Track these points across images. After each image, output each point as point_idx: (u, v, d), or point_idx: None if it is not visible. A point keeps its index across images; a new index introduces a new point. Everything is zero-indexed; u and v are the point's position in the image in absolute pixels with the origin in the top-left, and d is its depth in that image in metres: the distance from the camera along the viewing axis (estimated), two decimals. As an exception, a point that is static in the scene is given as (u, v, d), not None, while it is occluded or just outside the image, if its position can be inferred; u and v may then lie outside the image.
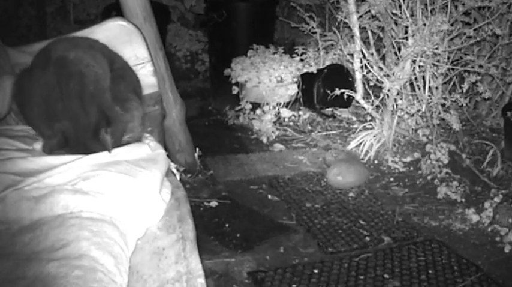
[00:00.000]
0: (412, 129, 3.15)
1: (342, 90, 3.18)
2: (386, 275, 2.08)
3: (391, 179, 2.89)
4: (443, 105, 2.93)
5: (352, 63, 3.33)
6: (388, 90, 3.00)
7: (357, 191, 2.73)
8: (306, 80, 3.58)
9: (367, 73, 3.13)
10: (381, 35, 3.26)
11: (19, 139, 1.71)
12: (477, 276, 2.07)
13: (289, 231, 2.40)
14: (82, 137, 1.61)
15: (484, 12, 2.91)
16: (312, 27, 3.56)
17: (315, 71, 3.58)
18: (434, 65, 2.89)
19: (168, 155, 1.81)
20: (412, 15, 2.87)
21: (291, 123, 3.58)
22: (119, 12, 2.48)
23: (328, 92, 3.34)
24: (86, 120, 1.60)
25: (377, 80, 3.08)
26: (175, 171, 1.99)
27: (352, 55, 3.28)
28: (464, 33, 2.85)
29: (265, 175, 2.91)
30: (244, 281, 2.06)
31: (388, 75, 3.04)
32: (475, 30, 2.80)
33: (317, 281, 2.03)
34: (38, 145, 1.65)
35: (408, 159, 3.03)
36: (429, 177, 2.84)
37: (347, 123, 3.56)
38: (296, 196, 2.68)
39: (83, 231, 1.27)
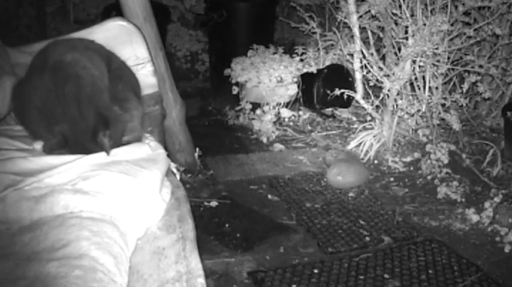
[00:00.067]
0: (412, 129, 3.15)
1: (342, 90, 3.18)
2: (386, 275, 2.08)
3: (391, 179, 2.89)
4: (443, 105, 2.93)
5: (352, 63, 3.33)
6: (388, 90, 3.00)
7: (357, 191, 2.73)
8: (306, 80, 3.58)
9: (367, 73, 3.13)
10: (381, 35, 3.26)
11: (19, 139, 1.71)
12: (477, 276, 2.07)
13: (289, 231, 2.40)
14: (81, 139, 1.61)
15: (484, 12, 2.91)
16: (312, 27, 3.56)
17: (315, 71, 3.58)
18: (434, 65, 2.89)
19: (168, 155, 1.81)
20: (412, 15, 2.87)
21: (291, 123, 3.58)
22: (119, 12, 2.48)
23: (328, 92, 3.34)
24: (84, 123, 1.60)
25: (377, 80, 3.08)
26: (175, 171, 1.99)
27: (352, 55, 3.28)
28: (464, 33, 2.85)
29: (265, 175, 2.91)
30: (244, 281, 2.06)
31: (388, 75, 3.04)
32: (475, 30, 2.80)
33: (317, 281, 2.03)
34: (38, 145, 1.65)
35: (408, 159, 3.03)
36: (429, 177, 2.84)
37: (347, 123, 3.56)
38: (296, 196, 2.69)
39: (83, 231, 1.27)
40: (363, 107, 3.32)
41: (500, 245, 2.29)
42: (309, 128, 3.54)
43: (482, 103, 3.25)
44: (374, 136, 3.13)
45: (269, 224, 2.46)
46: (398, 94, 3.04)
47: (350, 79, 3.44)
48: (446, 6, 2.79)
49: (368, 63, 3.13)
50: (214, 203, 2.61)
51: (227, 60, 3.72)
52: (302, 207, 2.59)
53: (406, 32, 2.96)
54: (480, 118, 3.23)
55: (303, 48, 3.77)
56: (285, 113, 3.59)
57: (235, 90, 3.66)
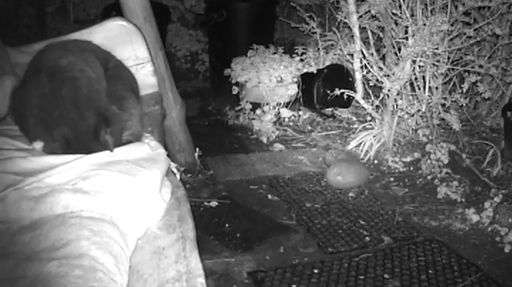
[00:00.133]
0: (412, 129, 3.16)
1: (342, 90, 3.18)
2: (386, 275, 2.08)
3: (391, 179, 2.89)
4: (443, 105, 2.93)
5: (352, 63, 3.33)
6: (388, 90, 3.00)
7: (357, 191, 2.73)
8: (306, 80, 3.58)
9: (367, 73, 3.13)
10: (381, 35, 3.26)
11: (19, 139, 1.71)
12: (477, 276, 2.07)
13: (289, 231, 2.40)
14: (83, 140, 1.60)
15: (484, 12, 2.91)
16: (312, 27, 3.56)
17: (315, 71, 3.58)
18: (434, 65, 2.89)
19: (168, 155, 1.82)
20: (412, 15, 2.87)
21: (291, 123, 3.58)
22: (119, 12, 2.49)
23: (328, 92, 3.34)
24: (84, 123, 1.60)
25: (377, 80, 3.08)
26: (175, 171, 1.99)
27: (352, 55, 3.28)
28: (464, 33, 2.85)
29: (265, 175, 2.91)
30: (244, 281, 2.06)
31: (388, 75, 3.04)
32: (475, 30, 2.81)
33: (317, 281, 2.03)
34: (37, 145, 1.65)
35: (408, 159, 3.03)
36: (429, 177, 2.84)
37: (347, 123, 3.56)
38: (296, 196, 2.69)
39: (83, 230, 1.27)
40: (363, 107, 3.32)
41: (500, 245, 2.29)
42: (309, 128, 3.54)
43: (482, 103, 3.25)
44: (374, 136, 3.13)
45: (269, 224, 2.46)
46: (398, 94, 3.04)
47: (350, 79, 3.44)
48: (446, 6, 2.79)
49: (368, 63, 3.13)
50: (214, 203, 2.61)
51: (227, 60, 3.72)
52: (302, 207, 2.59)
53: (406, 32, 2.96)
54: (480, 118, 3.23)
55: (303, 48, 3.77)
56: (285, 113, 3.59)
57: (235, 90, 3.66)
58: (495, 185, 2.68)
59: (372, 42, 3.25)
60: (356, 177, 2.79)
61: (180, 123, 2.75)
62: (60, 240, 1.23)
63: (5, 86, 1.77)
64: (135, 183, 1.48)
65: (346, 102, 3.54)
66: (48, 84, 1.65)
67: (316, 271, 2.10)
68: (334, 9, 3.61)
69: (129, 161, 1.57)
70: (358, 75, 3.25)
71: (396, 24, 3.02)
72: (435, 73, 2.92)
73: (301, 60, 3.73)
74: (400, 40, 2.97)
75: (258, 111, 3.54)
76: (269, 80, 3.53)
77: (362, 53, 3.19)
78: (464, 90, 2.83)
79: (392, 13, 2.94)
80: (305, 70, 3.65)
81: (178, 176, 1.92)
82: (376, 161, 3.06)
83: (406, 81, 3.00)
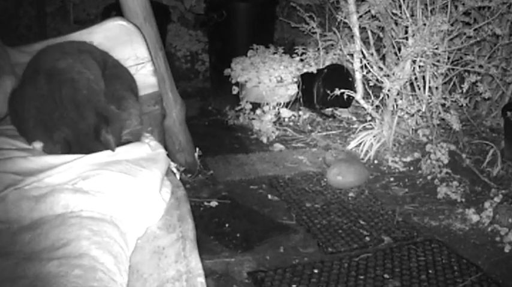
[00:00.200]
0: (412, 129, 3.16)
1: (342, 90, 3.18)
2: (386, 275, 2.08)
3: (391, 179, 2.89)
4: (443, 105, 2.93)
5: (352, 63, 3.33)
6: (388, 90, 3.00)
7: (357, 191, 2.73)
8: (306, 80, 3.58)
9: (367, 73, 3.13)
10: (381, 35, 3.26)
11: (19, 139, 1.71)
12: (477, 276, 2.07)
13: (289, 231, 2.40)
14: (84, 140, 1.61)
15: (484, 12, 2.91)
16: (312, 27, 3.56)
17: (315, 71, 3.58)
18: (434, 65, 2.89)
19: (168, 155, 1.82)
20: (412, 15, 2.87)
21: (291, 123, 3.58)
22: (119, 12, 2.48)
23: (328, 92, 3.34)
24: (85, 123, 1.60)
25: (377, 80, 3.08)
26: (175, 171, 1.99)
27: (352, 55, 3.28)
28: (464, 33, 2.85)
29: (265, 175, 2.91)
30: (244, 281, 2.06)
31: (388, 75, 3.04)
32: (475, 30, 2.81)
33: (317, 281, 2.03)
34: (38, 145, 1.65)
35: (408, 159, 3.03)
36: (429, 177, 2.84)
37: (347, 123, 3.56)
38: (296, 196, 2.68)
39: (83, 230, 1.27)
40: (363, 107, 3.32)
41: (500, 245, 2.29)
42: (309, 128, 3.54)
43: (482, 103, 3.25)
44: (374, 136, 3.13)
45: (269, 224, 2.46)
46: (398, 94, 3.04)
47: (350, 79, 3.44)
48: (446, 6, 2.79)
49: (368, 63, 3.13)
50: (214, 203, 2.61)
51: (227, 60, 3.72)
52: (302, 207, 2.59)
53: (406, 32, 2.96)
54: (480, 118, 3.23)
55: (303, 48, 3.77)
56: (285, 113, 3.59)
57: (235, 90, 3.66)
58: (495, 185, 2.68)
59: (372, 42, 3.25)
60: (356, 177, 2.79)
61: (180, 123, 2.75)
62: (60, 240, 1.23)
63: (5, 86, 1.77)
64: (135, 183, 1.48)
65: (346, 102, 3.54)
66: (46, 86, 1.65)
67: (316, 271, 2.10)
68: (334, 9, 3.61)
69: (129, 161, 1.58)
70: (358, 75, 3.25)
71: (396, 24, 3.02)
72: (435, 73, 2.92)
73: (301, 60, 3.73)
74: (400, 40, 2.97)
75: (258, 111, 3.54)
76: (269, 80, 3.53)
77: (362, 53, 3.19)
78: (464, 90, 2.83)
79: (393, 13, 2.94)
80: (305, 70, 3.65)
81: (178, 176, 1.92)
82: (376, 161, 3.06)
83: (406, 81, 3.00)
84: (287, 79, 3.58)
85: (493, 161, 2.86)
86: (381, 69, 3.12)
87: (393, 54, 3.14)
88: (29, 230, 1.28)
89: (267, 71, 3.55)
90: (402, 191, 2.76)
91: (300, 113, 3.64)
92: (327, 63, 3.65)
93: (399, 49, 3.02)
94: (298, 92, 3.62)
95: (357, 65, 3.22)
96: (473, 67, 2.86)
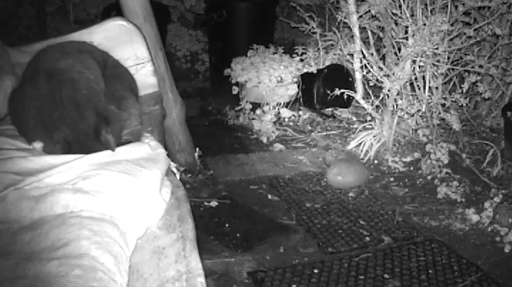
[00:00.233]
0: (412, 129, 3.16)
1: (342, 90, 3.18)
2: (386, 275, 2.07)
3: (391, 179, 2.89)
4: (443, 105, 2.93)
5: (352, 63, 3.33)
6: (388, 90, 3.00)
7: (357, 191, 2.73)
8: (306, 80, 3.58)
9: (367, 73, 3.13)
10: (381, 35, 3.26)
11: (19, 139, 1.71)
12: (477, 276, 2.07)
13: (289, 231, 2.40)
14: (84, 140, 1.61)
15: (484, 12, 2.91)
16: (312, 27, 3.56)
17: (315, 71, 3.58)
18: (434, 65, 2.89)
19: (168, 155, 1.82)
20: (412, 15, 2.87)
21: (291, 123, 3.58)
22: (119, 12, 2.48)
23: (328, 92, 3.34)
24: (85, 123, 1.60)
25: (377, 80, 3.08)
26: (175, 171, 1.99)
27: (352, 55, 3.28)
28: (464, 33, 2.85)
29: (265, 175, 2.91)
30: (244, 281, 2.06)
31: (388, 75, 3.04)
32: (475, 30, 2.81)
33: (317, 281, 2.03)
34: (38, 144, 1.65)
35: (408, 159, 3.03)
36: (429, 177, 2.84)
37: (347, 123, 3.56)
38: (296, 196, 2.68)
39: (83, 230, 1.27)
40: (363, 107, 3.32)
41: (500, 245, 2.29)
42: (309, 128, 3.54)
43: (482, 103, 3.25)
44: (374, 136, 3.13)
45: (269, 224, 2.46)
46: (398, 94, 3.04)
47: (350, 79, 3.44)
48: (446, 6, 2.79)
49: (368, 63, 3.13)
50: (214, 203, 2.61)
51: (227, 60, 3.72)
52: (302, 207, 2.59)
53: (406, 32, 2.96)
54: (480, 118, 3.23)
55: (303, 48, 3.77)
56: (285, 113, 3.59)
57: (235, 90, 3.66)
58: (495, 185, 2.68)
59: (372, 42, 3.25)
60: (356, 177, 2.79)
61: (180, 123, 2.75)
62: (60, 240, 1.23)
63: (5, 86, 1.77)
64: (135, 183, 1.48)
65: (346, 102, 3.54)
66: (46, 86, 1.65)
67: (316, 271, 2.10)
68: (334, 9, 3.61)
69: (129, 161, 1.58)
70: (358, 75, 3.25)
71: (396, 24, 3.02)
72: (435, 73, 2.92)
73: (301, 60, 3.73)
74: (400, 40, 2.97)
75: (258, 111, 3.54)
76: (269, 80, 3.53)
77: (362, 53, 3.19)
78: (464, 90, 2.83)
79: (393, 13, 2.94)
80: (305, 70, 3.65)
81: (178, 176, 1.92)
82: (376, 161, 3.06)
83: (406, 81, 3.00)
84: (287, 79, 3.58)
85: (493, 161, 2.86)
86: (381, 69, 3.12)
87: (393, 54, 3.14)
88: (29, 230, 1.28)
89: (267, 71, 3.55)
90: (402, 191, 2.76)
91: (300, 113, 3.64)
92: (327, 63, 3.65)
93: (399, 49, 3.02)
94: (298, 92, 3.62)
95: (357, 65, 3.22)
96: (473, 67, 2.86)
